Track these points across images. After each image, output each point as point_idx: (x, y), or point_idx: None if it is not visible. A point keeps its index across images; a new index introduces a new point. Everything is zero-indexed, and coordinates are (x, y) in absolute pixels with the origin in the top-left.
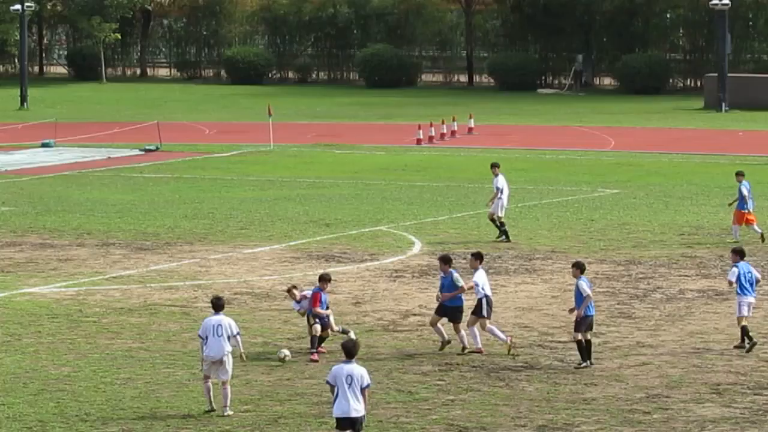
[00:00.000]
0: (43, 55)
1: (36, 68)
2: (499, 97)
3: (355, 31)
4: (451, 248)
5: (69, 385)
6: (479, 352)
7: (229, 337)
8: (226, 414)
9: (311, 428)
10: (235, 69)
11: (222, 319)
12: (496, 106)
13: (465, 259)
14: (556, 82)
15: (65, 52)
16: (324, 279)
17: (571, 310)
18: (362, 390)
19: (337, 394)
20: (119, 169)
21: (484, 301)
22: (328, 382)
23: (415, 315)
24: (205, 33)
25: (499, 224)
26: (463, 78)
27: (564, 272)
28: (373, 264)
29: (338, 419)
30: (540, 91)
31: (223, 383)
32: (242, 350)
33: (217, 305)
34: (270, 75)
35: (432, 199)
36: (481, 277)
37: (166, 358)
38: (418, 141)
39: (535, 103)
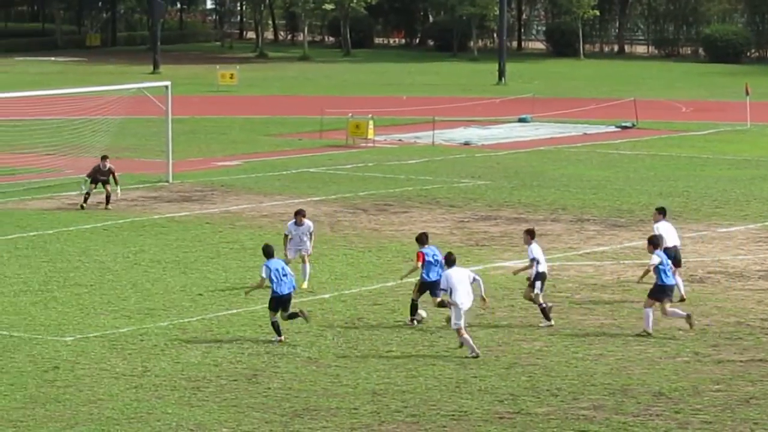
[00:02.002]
0: (522, 30)
1: (514, 43)
2: None
3: None
4: None
5: (541, 360)
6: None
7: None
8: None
9: None
10: (713, 47)
11: (460, 269)
12: None
13: None
14: None
15: (543, 28)
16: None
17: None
18: None
19: None
20: (595, 146)
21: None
22: None
23: None
24: (684, 10)
25: None
26: None
27: None
28: None
29: None
30: None
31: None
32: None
33: (449, 260)
34: (748, 54)
35: None
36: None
37: (637, 335)
38: None
39: None
